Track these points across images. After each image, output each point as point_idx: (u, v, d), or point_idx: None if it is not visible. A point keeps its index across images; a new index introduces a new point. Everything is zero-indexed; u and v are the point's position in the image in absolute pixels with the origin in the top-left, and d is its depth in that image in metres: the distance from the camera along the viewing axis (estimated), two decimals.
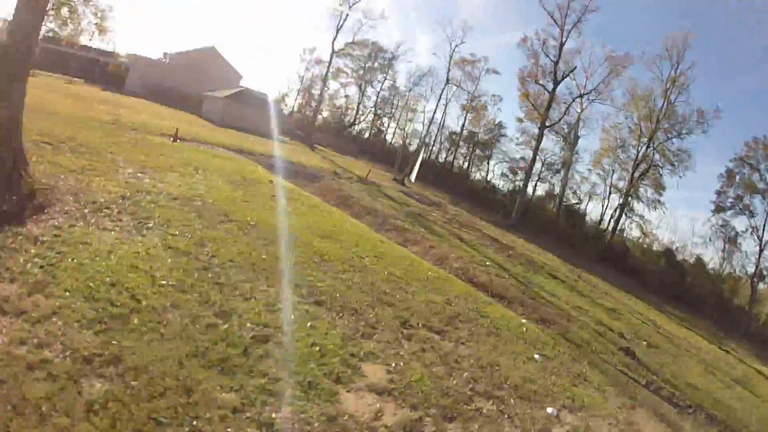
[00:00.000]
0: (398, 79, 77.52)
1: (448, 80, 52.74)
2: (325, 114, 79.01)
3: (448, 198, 47.65)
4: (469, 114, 65.81)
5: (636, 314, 24.16)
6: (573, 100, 46.82)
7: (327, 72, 57.09)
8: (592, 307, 20.26)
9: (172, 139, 22.04)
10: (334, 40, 55.30)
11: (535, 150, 46.70)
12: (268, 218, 13.33)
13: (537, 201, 60.63)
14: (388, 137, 78.96)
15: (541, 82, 45.71)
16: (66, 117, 19.50)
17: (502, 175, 65.44)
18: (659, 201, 53.13)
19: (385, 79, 76.33)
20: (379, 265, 12.88)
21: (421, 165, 51.39)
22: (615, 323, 18.60)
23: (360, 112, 79.25)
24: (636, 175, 50.78)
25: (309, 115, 70.21)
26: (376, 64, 74.90)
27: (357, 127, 79.05)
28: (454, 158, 70.68)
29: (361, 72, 74.90)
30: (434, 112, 58.24)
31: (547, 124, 46.27)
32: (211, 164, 18.87)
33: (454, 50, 54.53)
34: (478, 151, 68.07)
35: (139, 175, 13.52)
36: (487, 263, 19.47)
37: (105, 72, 57.23)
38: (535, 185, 61.98)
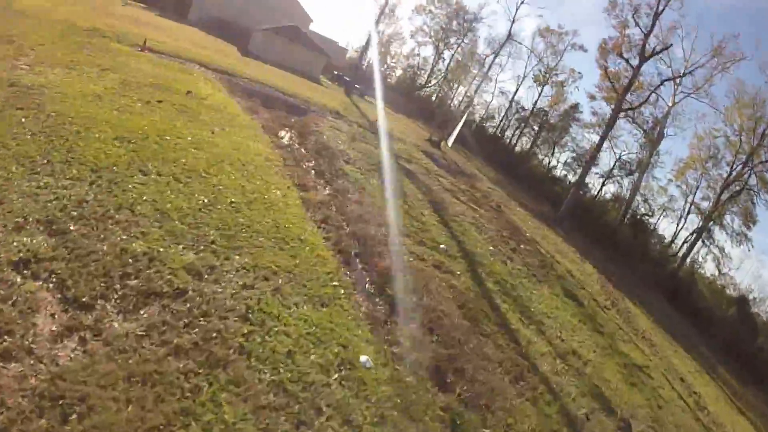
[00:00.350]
0: (478, 45, 69.69)
1: (510, 35, 43.54)
2: (399, 72, 72.91)
3: (495, 176, 39.99)
4: (542, 88, 56.94)
5: (675, 378, 16.16)
6: (662, 83, 36.56)
7: (380, 15, 49.43)
8: (603, 357, 12.65)
9: (140, 48, 19.50)
10: None
11: (604, 135, 36.69)
12: (85, 112, 9.67)
13: (600, 203, 51.29)
14: (456, 103, 71.68)
15: (625, 55, 35.96)
16: (48, 21, 17.10)
17: (565, 164, 56.11)
18: (746, 235, 42.95)
19: (462, 41, 68.64)
20: (166, 186, 7.64)
21: (464, 131, 43.83)
22: (624, 394, 10.93)
23: (433, 75, 72.34)
24: (724, 197, 40.77)
25: (383, 70, 65.33)
26: (455, 25, 66.94)
27: (428, 90, 72.24)
28: (519, 138, 62.00)
29: (441, 33, 67.66)
30: (487, 70, 49.47)
31: (624, 107, 36.66)
32: (139, 70, 15.34)
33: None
34: (544, 134, 58.99)
35: (23, 66, 11.20)
36: (441, 245, 12.20)
37: None
38: (603, 184, 52.39)
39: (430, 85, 73.19)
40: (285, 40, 45.85)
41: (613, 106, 37.94)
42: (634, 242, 42.60)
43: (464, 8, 65.06)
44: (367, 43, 49.85)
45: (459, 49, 68.47)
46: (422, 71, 73.00)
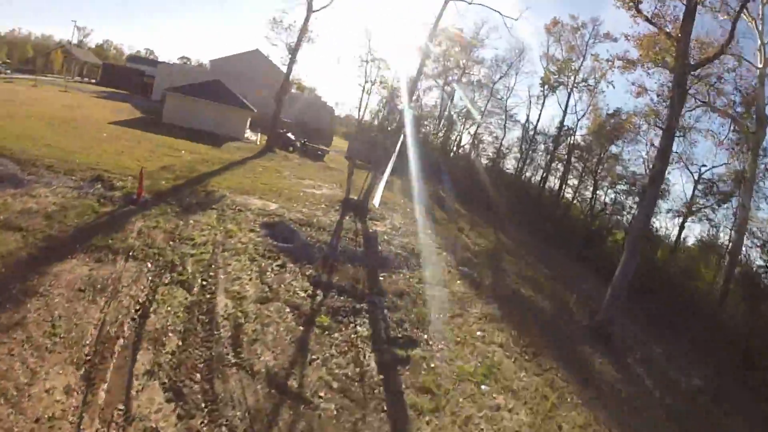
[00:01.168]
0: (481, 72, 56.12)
1: (436, 25, 27.21)
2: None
3: (490, 243, 23.71)
4: (567, 97, 40.60)
5: None
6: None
7: (300, 37, 36.95)
8: None
9: None
10: None
11: (670, 125, 16.88)
12: None
13: (683, 258, 31.35)
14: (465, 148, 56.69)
15: None
16: None
17: (615, 203, 37.04)
18: None
19: (463, 72, 56.11)
20: None
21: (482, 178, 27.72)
22: None
23: (442, 121, 59.77)
24: None
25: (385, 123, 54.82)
26: (451, 60, 55.18)
27: (438, 139, 58.63)
28: (545, 176, 44.26)
29: (446, 73, 56.54)
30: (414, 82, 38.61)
31: (693, 62, 17.99)
32: None
33: None
34: (579, 163, 40.93)
35: None
36: None
37: (140, 83, 64.14)
38: (681, 226, 32.61)
39: (440, 133, 59.30)
40: (193, 100, 38.15)
41: (671, 68, 19.88)
42: (759, 325, 22.87)
43: (461, 36, 51.56)
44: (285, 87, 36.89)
45: (456, 81, 54.74)
46: (429, 121, 60.22)
